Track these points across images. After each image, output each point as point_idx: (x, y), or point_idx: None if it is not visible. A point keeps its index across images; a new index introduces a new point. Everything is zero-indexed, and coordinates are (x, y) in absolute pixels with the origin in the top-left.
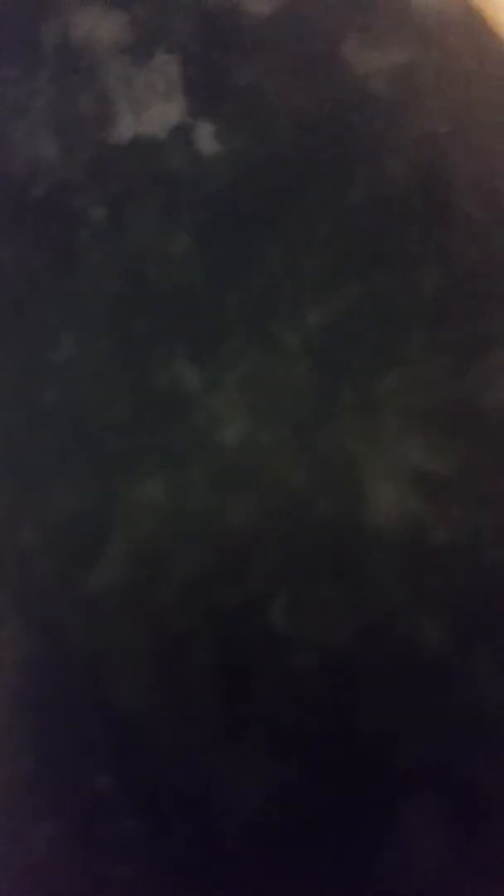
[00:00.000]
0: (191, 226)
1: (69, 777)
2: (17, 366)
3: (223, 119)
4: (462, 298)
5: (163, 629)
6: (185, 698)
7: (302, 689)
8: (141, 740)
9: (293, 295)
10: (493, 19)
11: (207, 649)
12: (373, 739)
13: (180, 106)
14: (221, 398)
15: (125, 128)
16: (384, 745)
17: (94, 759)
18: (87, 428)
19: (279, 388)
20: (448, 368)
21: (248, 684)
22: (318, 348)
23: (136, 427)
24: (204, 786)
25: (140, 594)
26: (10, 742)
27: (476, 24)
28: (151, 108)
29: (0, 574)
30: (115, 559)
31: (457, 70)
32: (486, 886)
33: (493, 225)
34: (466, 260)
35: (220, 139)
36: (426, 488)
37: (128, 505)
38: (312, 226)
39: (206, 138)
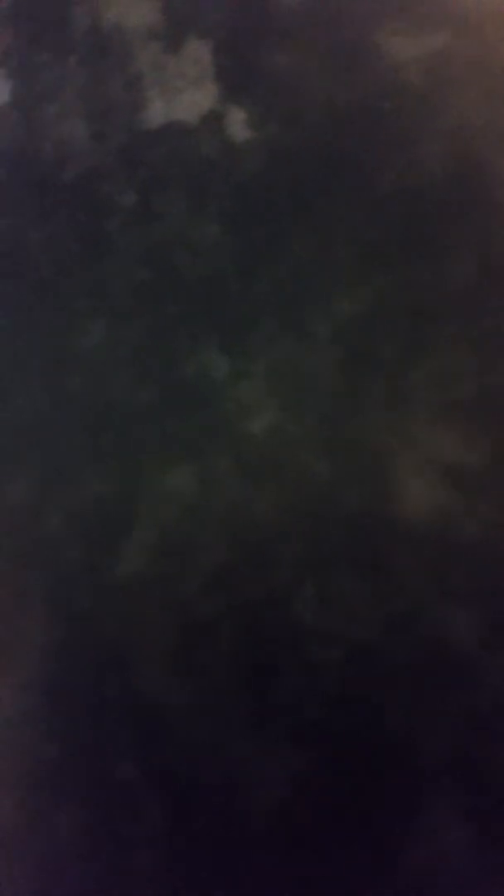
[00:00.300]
0: (221, 213)
1: (92, 766)
2: (44, 352)
3: (254, 106)
4: (495, 290)
5: (188, 619)
6: (210, 689)
7: (327, 682)
8: (164, 730)
9: (323, 284)
10: None
11: (232, 640)
12: (398, 734)
13: (211, 92)
14: (249, 388)
15: (156, 114)
16: (410, 739)
17: (117, 748)
18: (114, 415)
19: (308, 378)
20: (480, 360)
21: (273, 676)
22: (348, 339)
23: (162, 415)
24: (227, 777)
25: (165, 583)
26: (33, 730)
27: None
28: (182, 94)
29: (26, 561)
30: (140, 548)
31: (494, 58)
32: None
33: None
34: (500, 251)
35: (251, 126)
36: (455, 481)
37: (154, 493)
38: (344, 215)
39: (238, 125)
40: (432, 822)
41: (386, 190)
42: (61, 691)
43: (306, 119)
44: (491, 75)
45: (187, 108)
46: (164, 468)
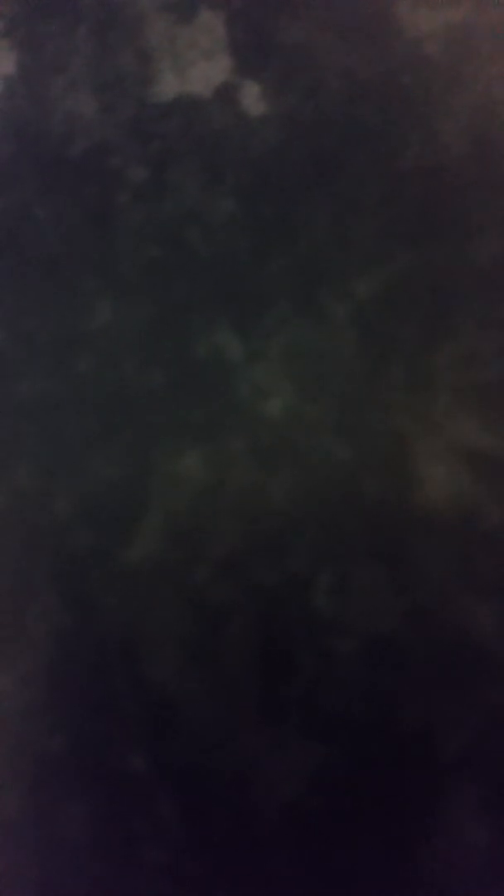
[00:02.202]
0: (235, 189)
1: (102, 757)
2: (51, 331)
3: (270, 79)
4: None
5: (201, 606)
6: (223, 678)
7: (344, 672)
8: (177, 720)
9: (341, 263)
10: None
11: (247, 628)
12: (417, 726)
13: (225, 65)
14: (264, 370)
15: (167, 86)
16: (429, 732)
17: (128, 738)
18: (125, 397)
19: (325, 360)
20: (503, 343)
21: (289, 665)
22: (367, 319)
23: (175, 397)
24: (240, 771)
25: (177, 570)
26: (41, 719)
27: None
28: (195, 66)
29: (35, 545)
30: (152, 533)
31: None
32: None
33: None
34: None
35: (266, 100)
36: (478, 468)
37: (166, 477)
38: (362, 192)
39: (252, 99)
40: (450, 817)
41: (406, 166)
42: (68, 680)
43: (323, 93)
44: None
45: (200, 81)
46: (176, 452)
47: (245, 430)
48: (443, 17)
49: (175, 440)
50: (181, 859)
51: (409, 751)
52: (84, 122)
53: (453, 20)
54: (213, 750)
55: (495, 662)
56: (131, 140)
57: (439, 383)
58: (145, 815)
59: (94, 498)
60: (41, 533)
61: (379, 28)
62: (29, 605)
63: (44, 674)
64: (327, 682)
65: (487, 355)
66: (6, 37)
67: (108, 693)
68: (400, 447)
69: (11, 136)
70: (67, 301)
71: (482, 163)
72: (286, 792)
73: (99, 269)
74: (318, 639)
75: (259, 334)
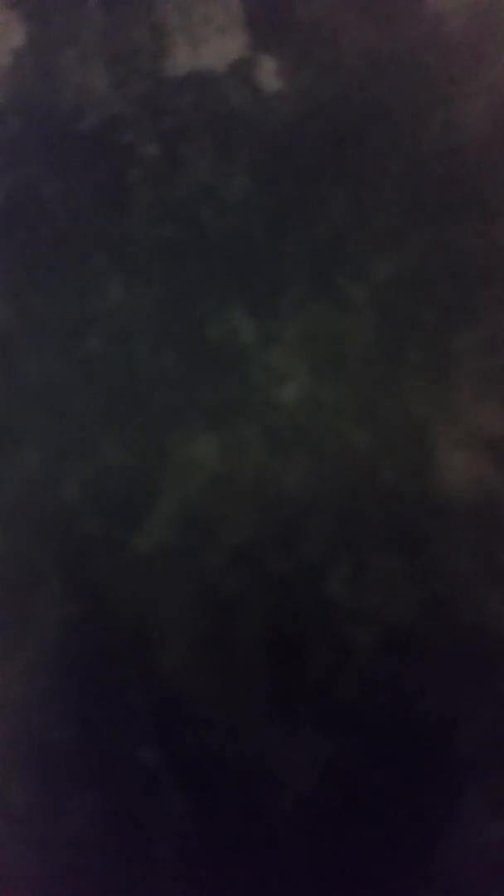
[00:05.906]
0: (250, 167)
1: (110, 748)
2: (61, 311)
3: (287, 55)
4: None
5: (213, 595)
6: (235, 668)
7: (360, 664)
8: (187, 711)
9: (359, 244)
10: None
11: (260, 618)
12: (435, 719)
13: (241, 40)
14: (280, 353)
15: (181, 61)
16: (447, 725)
17: (137, 729)
18: (136, 380)
19: (342, 344)
20: None
21: (303, 656)
22: (386, 302)
23: (187, 380)
24: (254, 761)
25: (189, 557)
26: (49, 709)
27: None
28: (210, 41)
29: (42, 531)
30: (163, 519)
31: None
32: None
33: None
34: None
35: (283, 76)
36: (499, 455)
37: (177, 462)
38: (381, 171)
39: (269, 75)
40: (468, 812)
41: (427, 145)
42: (76, 670)
43: (342, 70)
44: None
45: (214, 56)
46: (188, 437)
47: (260, 415)
48: None
49: (187, 425)
50: (190, 854)
51: (425, 744)
52: (95, 96)
53: None
54: (225, 742)
55: None
56: (143, 116)
57: (460, 368)
58: (154, 809)
59: (104, 483)
60: (50, 519)
61: (399, 3)
62: (37, 592)
63: (51, 663)
64: (342, 673)
65: None
66: (15, 8)
67: (116, 683)
68: (419, 433)
69: (20, 110)
70: (77, 280)
71: None
72: (299, 786)
73: (109, 247)
74: (334, 629)
75: (274, 316)
